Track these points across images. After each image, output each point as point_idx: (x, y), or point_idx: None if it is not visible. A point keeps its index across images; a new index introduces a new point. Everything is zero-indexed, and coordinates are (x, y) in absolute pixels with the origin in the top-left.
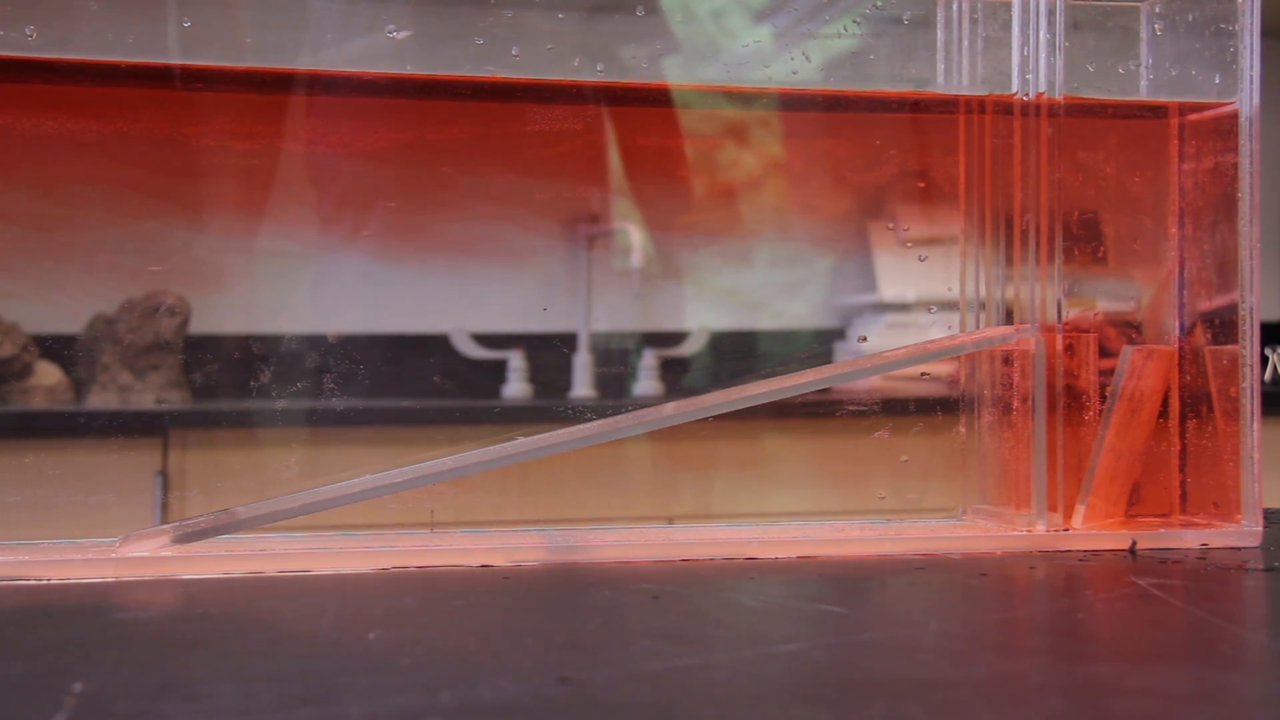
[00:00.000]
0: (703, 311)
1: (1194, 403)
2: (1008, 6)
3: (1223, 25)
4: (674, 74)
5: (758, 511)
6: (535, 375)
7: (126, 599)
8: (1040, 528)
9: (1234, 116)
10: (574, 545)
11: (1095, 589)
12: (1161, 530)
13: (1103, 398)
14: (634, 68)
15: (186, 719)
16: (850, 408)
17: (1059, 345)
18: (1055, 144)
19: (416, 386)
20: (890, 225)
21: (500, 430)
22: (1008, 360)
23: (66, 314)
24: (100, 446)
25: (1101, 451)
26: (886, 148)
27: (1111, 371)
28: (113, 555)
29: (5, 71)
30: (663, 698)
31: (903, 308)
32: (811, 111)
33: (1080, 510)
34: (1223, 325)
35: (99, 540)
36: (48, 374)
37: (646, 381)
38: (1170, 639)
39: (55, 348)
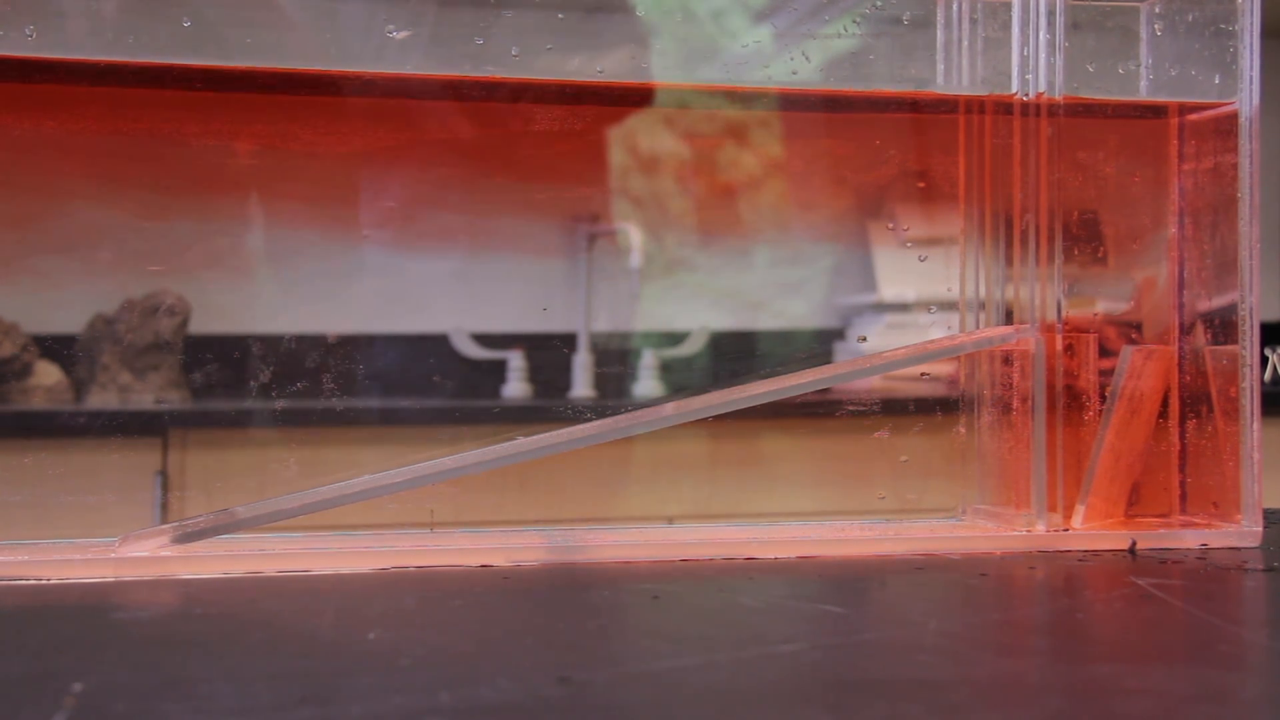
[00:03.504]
0: (703, 311)
1: (1194, 403)
2: (1008, 6)
3: (1223, 25)
4: (674, 74)
5: (757, 511)
6: (535, 375)
7: (126, 599)
8: (1040, 528)
9: (1234, 116)
10: (574, 545)
11: (1095, 589)
12: (1161, 530)
13: (1102, 398)
14: (634, 68)
15: (185, 718)
16: (850, 408)
17: (1059, 345)
18: (1055, 144)
19: (416, 386)
20: (890, 225)
21: (500, 430)
22: (1008, 360)
23: (67, 313)
24: (100, 446)
25: (1101, 451)
26: (886, 148)
27: (1111, 371)
28: (112, 555)
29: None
30: (663, 698)
31: (903, 308)
32: (811, 111)
33: (1080, 510)
34: (1222, 325)
35: (99, 540)
36: (48, 374)
37: (646, 381)
38: (1170, 639)
39: (55, 347)
